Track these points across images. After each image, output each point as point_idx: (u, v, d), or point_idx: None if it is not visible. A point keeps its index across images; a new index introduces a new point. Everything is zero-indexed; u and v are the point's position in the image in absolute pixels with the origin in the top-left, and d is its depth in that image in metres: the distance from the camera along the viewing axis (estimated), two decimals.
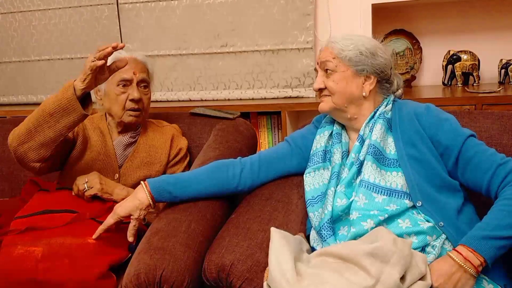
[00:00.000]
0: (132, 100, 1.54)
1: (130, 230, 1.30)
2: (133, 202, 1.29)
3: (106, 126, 1.63)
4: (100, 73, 1.32)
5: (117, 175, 1.56)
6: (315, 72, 1.34)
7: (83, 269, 1.21)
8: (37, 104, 2.63)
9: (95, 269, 1.22)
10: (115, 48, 1.26)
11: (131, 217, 1.29)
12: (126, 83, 1.55)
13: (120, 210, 1.29)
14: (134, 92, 1.54)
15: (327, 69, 1.29)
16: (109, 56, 1.28)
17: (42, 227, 1.29)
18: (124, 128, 1.61)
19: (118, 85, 1.54)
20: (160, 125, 1.71)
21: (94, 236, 1.27)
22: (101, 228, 1.28)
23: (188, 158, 1.69)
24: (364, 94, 1.28)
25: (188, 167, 1.68)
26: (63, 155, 1.55)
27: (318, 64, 1.32)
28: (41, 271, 1.21)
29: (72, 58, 2.58)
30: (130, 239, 1.30)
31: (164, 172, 1.62)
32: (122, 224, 1.31)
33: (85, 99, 1.37)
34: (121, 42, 2.46)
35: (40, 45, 2.61)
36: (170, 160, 1.63)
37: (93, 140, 1.58)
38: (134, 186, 1.49)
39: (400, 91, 1.37)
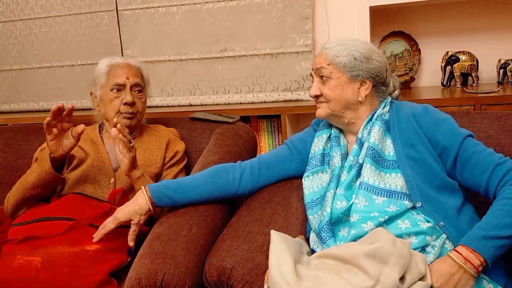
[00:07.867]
0: (126, 104, 1.57)
1: (131, 235, 1.31)
2: (133, 207, 1.30)
3: (97, 135, 1.66)
4: (65, 138, 1.41)
5: (112, 179, 1.57)
6: (311, 77, 1.33)
7: (83, 277, 1.22)
8: (38, 111, 2.66)
9: (95, 277, 1.22)
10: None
11: (131, 222, 1.30)
12: (120, 87, 1.58)
13: (120, 215, 1.30)
14: (127, 96, 1.57)
15: (322, 76, 1.29)
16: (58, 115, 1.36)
17: (40, 236, 1.30)
18: None
19: (112, 89, 1.58)
20: (157, 130, 1.72)
21: (94, 240, 1.28)
22: (101, 233, 1.29)
23: (185, 161, 1.69)
24: (360, 99, 1.28)
25: (185, 170, 1.68)
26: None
27: (313, 70, 1.32)
28: (41, 280, 1.21)
29: (72, 65, 2.59)
30: (131, 243, 1.31)
31: (159, 175, 1.63)
32: (119, 228, 1.31)
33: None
34: (121, 48, 2.49)
35: (40, 53, 2.63)
36: (166, 162, 1.64)
37: (86, 150, 1.60)
38: (130, 188, 1.51)
39: (396, 92, 1.37)
